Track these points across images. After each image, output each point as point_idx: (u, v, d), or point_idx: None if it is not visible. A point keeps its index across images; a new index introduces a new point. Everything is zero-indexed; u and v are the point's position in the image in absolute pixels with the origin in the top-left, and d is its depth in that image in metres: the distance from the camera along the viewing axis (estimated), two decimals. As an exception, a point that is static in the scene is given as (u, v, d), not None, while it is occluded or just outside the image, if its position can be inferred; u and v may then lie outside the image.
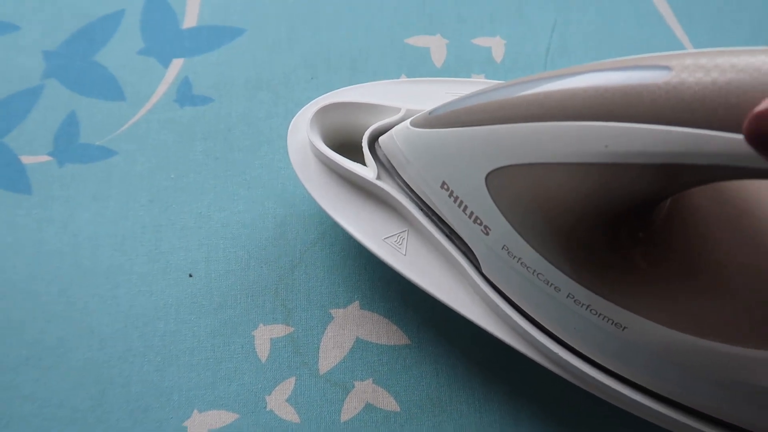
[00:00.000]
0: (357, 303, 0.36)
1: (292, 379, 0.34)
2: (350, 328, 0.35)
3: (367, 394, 0.34)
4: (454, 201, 0.30)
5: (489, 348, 0.35)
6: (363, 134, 0.35)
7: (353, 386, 0.34)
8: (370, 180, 0.33)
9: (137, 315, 0.35)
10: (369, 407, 0.34)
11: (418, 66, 0.44)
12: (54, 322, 0.35)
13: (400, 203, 0.33)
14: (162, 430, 0.33)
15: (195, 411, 0.33)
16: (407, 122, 0.32)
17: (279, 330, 0.35)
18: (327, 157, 0.34)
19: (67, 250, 0.37)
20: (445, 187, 0.30)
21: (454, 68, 0.44)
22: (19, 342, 0.35)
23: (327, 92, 0.36)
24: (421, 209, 0.33)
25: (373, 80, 0.38)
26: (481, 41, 0.45)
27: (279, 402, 0.34)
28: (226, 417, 0.33)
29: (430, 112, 0.31)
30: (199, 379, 0.34)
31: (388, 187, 0.33)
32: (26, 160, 0.39)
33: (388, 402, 0.34)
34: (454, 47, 0.44)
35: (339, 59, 0.43)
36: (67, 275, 0.36)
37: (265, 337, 0.35)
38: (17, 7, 0.44)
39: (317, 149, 0.34)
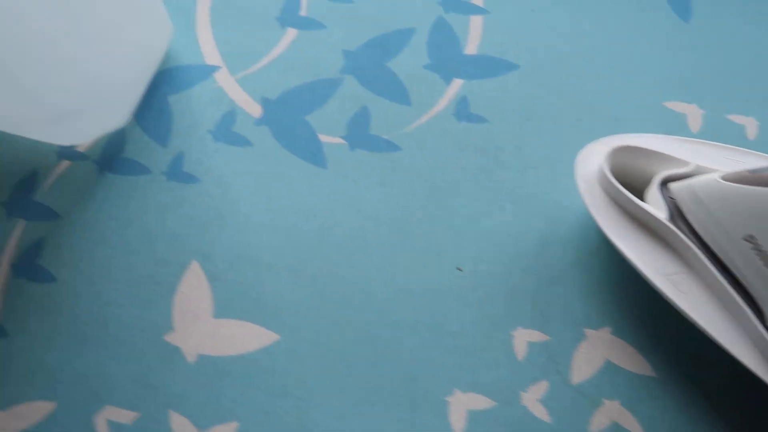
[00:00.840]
0: (608, 329, 0.37)
1: (545, 383, 0.35)
2: (601, 350, 0.36)
3: (613, 413, 0.35)
4: (757, 254, 0.31)
5: (740, 396, 0.35)
6: (641, 177, 0.37)
7: (602, 402, 0.35)
8: (661, 220, 0.35)
9: (409, 291, 0.37)
10: (616, 426, 0.34)
11: (675, 129, 0.45)
12: (339, 283, 0.37)
13: (686, 245, 0.34)
14: (426, 399, 0.34)
15: (456, 390, 0.35)
16: (715, 176, 0.33)
17: (535, 336, 0.37)
18: (619, 192, 0.36)
19: (352, 222, 0.40)
20: (751, 240, 0.31)
21: (708, 138, 0.45)
22: (310, 293, 0.37)
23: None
24: (705, 255, 0.34)
25: (633, 132, 0.40)
26: (735, 118, 0.46)
27: (532, 400, 0.35)
28: (484, 402, 0.35)
29: (752, 171, 0.32)
30: (462, 361, 0.36)
31: (676, 228, 0.34)
32: (323, 138, 0.42)
33: (633, 426, 0.34)
34: (710, 118, 0.46)
35: (602, 108, 0.45)
36: (351, 244, 0.39)
37: (522, 338, 0.36)
38: (328, 10, 0.48)
39: (610, 183, 0.36)
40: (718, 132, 0.46)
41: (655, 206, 0.35)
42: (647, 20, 0.48)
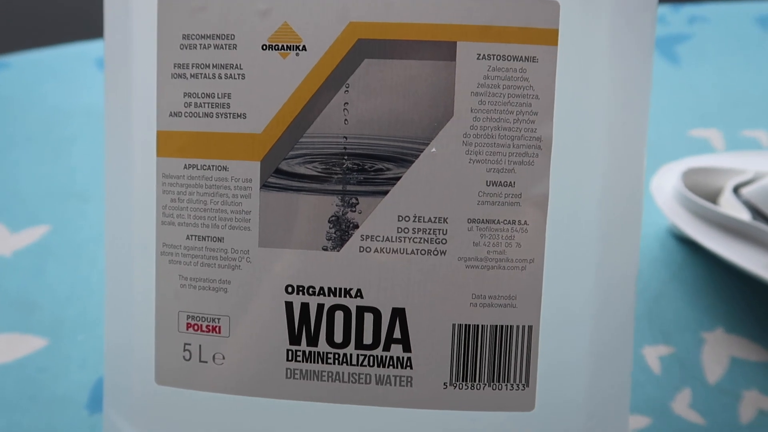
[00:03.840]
0: (721, 328, 0.37)
1: (688, 390, 0.34)
2: (722, 348, 0.36)
3: (758, 401, 0.34)
4: None
5: None
6: (703, 190, 0.39)
7: (742, 395, 0.34)
8: (747, 221, 0.36)
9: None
10: (762, 412, 0.33)
11: (704, 151, 0.46)
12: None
13: None
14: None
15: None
16: None
17: (662, 350, 0.36)
18: (702, 206, 0.37)
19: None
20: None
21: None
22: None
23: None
24: None
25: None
26: (749, 133, 0.48)
27: (683, 407, 0.34)
28: (642, 420, 0.33)
29: None
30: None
31: (762, 226, 0.35)
32: None
33: (779, 406, 0.33)
34: (729, 138, 0.47)
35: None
36: None
37: (653, 355, 0.36)
38: None
39: (691, 200, 0.38)
40: (739, 147, 0.47)
41: (735, 211, 0.37)
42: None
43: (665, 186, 0.40)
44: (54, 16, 0.67)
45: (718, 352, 0.36)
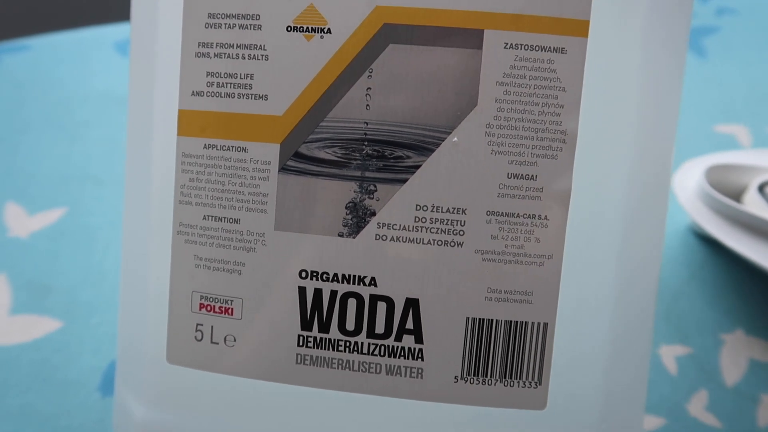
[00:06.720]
0: (741, 330, 0.35)
1: (705, 391, 0.33)
2: (742, 350, 0.35)
3: (776, 406, 0.32)
4: None
5: None
6: (726, 188, 0.37)
7: (760, 399, 0.33)
8: None
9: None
10: (781, 418, 0.32)
11: (730, 147, 0.45)
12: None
13: None
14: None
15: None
16: None
17: (679, 350, 0.35)
18: (726, 205, 0.35)
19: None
20: None
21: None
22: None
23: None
24: None
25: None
26: (781, 131, 0.46)
27: (699, 409, 0.33)
28: (656, 421, 0.32)
29: None
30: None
31: None
32: None
33: (798, 412, 0.31)
34: (755, 134, 0.46)
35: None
36: None
37: (669, 355, 0.35)
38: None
39: (714, 198, 0.36)
40: (766, 144, 0.45)
41: (759, 210, 0.35)
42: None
43: (688, 182, 0.39)
44: (73, 0, 0.67)
45: (737, 354, 0.35)
